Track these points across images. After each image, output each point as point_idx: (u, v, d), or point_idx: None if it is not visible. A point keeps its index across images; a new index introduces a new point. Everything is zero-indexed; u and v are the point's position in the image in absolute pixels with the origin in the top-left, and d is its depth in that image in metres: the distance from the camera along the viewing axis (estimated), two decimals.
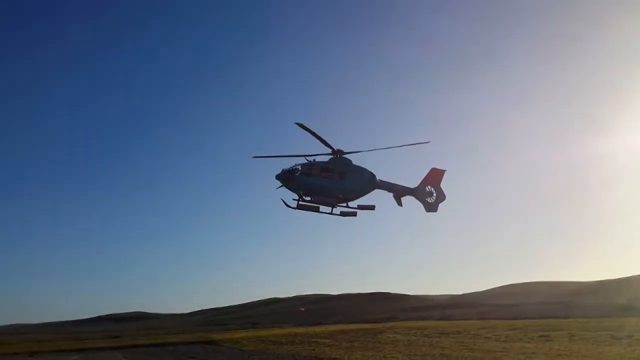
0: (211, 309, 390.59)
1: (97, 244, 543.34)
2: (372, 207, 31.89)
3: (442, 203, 32.87)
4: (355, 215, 31.52)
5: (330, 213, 31.02)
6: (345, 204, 31.27)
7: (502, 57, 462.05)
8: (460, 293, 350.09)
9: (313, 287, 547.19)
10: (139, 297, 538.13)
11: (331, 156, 31.21)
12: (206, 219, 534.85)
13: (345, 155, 31.36)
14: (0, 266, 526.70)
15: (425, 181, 32.51)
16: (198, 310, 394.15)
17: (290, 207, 30.75)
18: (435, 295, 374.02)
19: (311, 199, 30.71)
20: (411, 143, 32.06)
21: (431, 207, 32.43)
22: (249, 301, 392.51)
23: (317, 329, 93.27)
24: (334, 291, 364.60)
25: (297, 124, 28.35)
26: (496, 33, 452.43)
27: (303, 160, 30.86)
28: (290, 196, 31.22)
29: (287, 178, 30.45)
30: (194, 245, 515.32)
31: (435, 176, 32.66)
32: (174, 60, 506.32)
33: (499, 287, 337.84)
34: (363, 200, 32.02)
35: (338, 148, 30.92)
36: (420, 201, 32.44)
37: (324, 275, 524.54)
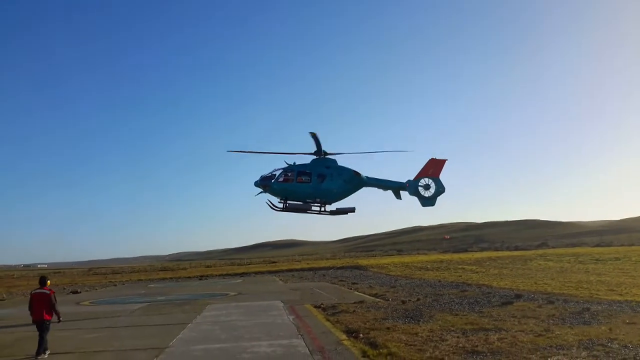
0: (357, 236, 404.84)
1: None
2: (352, 210, 30.66)
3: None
4: (347, 214, 30.71)
5: (319, 212, 30.44)
6: (324, 207, 30.16)
7: None
8: (618, 218, 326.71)
9: (457, 216, 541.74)
10: (292, 226, 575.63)
11: (314, 156, 30.22)
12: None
13: (330, 156, 30.22)
14: (172, 203, 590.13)
15: (421, 174, 29.85)
16: (345, 238, 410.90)
17: (275, 209, 30.49)
18: (589, 222, 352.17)
19: (286, 205, 30.29)
20: (394, 150, 32.62)
21: (427, 202, 29.69)
22: (394, 229, 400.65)
23: (462, 255, 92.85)
24: (479, 219, 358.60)
25: (310, 133, 28.11)
26: None
27: (280, 159, 30.51)
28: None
29: (264, 185, 30.25)
30: None
31: (433, 167, 29.81)
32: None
33: None
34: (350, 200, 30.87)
35: (322, 149, 29.83)
36: (415, 196, 29.80)
37: (468, 204, 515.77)
